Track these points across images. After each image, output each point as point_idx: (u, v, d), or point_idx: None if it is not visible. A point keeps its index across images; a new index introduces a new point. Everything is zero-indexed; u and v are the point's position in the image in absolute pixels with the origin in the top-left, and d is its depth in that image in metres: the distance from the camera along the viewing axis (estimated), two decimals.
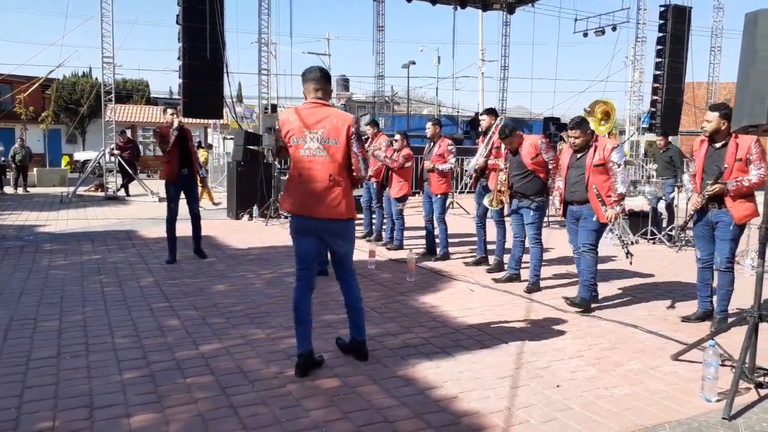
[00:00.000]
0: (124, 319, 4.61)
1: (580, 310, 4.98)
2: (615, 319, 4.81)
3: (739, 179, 4.36)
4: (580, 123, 5.05)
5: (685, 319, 4.77)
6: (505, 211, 6.25)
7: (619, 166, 4.88)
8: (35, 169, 19.68)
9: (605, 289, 5.85)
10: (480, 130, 6.97)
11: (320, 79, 3.54)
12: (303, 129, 3.47)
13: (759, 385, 3.37)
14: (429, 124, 7.50)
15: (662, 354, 3.99)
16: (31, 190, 17.44)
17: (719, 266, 4.58)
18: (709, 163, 4.54)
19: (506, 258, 6.45)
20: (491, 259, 6.81)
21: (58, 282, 5.83)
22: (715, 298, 4.70)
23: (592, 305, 5.11)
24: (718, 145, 4.51)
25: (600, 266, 6.96)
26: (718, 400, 3.21)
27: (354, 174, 3.57)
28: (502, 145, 6.40)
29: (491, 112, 6.96)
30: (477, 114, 22.36)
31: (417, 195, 9.34)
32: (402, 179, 7.69)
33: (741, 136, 4.36)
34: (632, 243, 8.60)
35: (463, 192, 15.57)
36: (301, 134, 3.47)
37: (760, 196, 4.28)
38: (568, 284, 6.04)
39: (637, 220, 9.14)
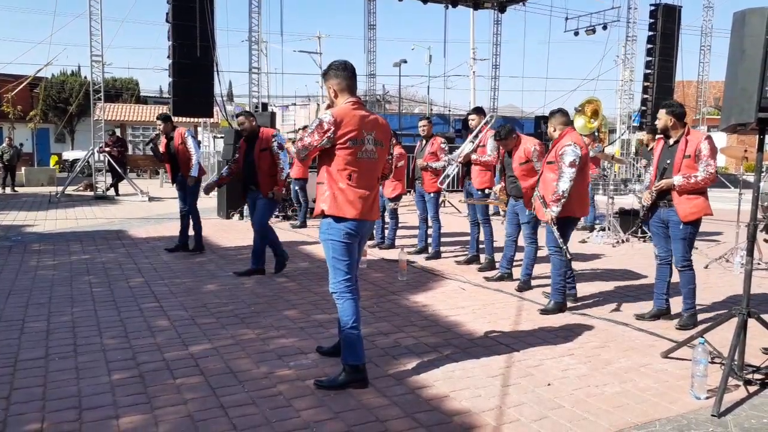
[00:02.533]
0: (113, 320, 4.57)
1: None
2: (605, 317, 4.83)
3: (686, 176, 4.40)
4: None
5: (639, 317, 4.79)
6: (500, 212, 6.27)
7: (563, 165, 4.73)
8: (23, 168, 19.51)
9: (595, 287, 5.88)
10: (471, 128, 6.97)
11: (355, 75, 3.42)
12: (363, 131, 3.27)
13: (748, 382, 3.39)
14: (423, 122, 7.49)
15: (652, 352, 4.01)
16: (19, 189, 17.30)
17: (677, 266, 4.60)
18: (663, 160, 4.62)
19: (497, 256, 6.46)
20: (482, 257, 6.82)
21: (47, 282, 5.78)
22: (679, 297, 4.72)
23: (577, 302, 5.16)
24: (671, 142, 4.59)
25: (590, 264, 7.01)
26: (707, 398, 3.22)
27: (384, 173, 3.57)
28: (488, 144, 6.42)
29: (480, 111, 6.96)
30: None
31: (409, 194, 9.36)
32: (395, 179, 7.68)
33: (693, 133, 4.50)
34: (623, 241, 8.64)
35: (449, 190, 15.56)
36: (360, 136, 3.26)
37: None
38: None
39: (628, 219, 9.18)
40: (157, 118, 7.48)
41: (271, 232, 6.27)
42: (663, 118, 4.56)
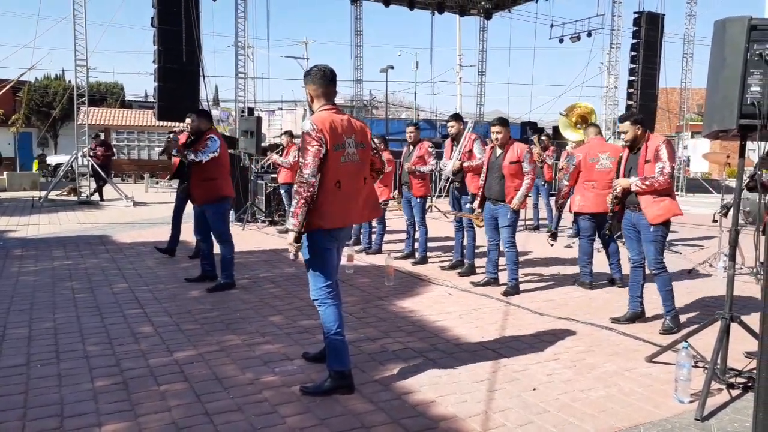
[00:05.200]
0: (97, 326, 4.52)
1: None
2: (590, 321, 4.86)
3: (643, 178, 4.49)
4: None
5: (615, 320, 4.84)
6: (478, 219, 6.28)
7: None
8: (5, 172, 19.23)
9: (580, 291, 5.92)
10: (450, 135, 6.98)
11: (335, 82, 3.42)
12: (343, 135, 3.28)
13: (731, 386, 3.43)
14: (411, 128, 7.48)
15: (637, 356, 4.04)
16: (1, 194, 17.06)
17: (650, 268, 4.67)
18: (627, 165, 4.73)
19: (480, 261, 6.48)
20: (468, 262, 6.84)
21: (29, 288, 5.70)
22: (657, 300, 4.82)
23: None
24: (635, 149, 4.68)
25: (575, 269, 7.05)
26: (691, 401, 3.25)
27: (377, 168, 3.60)
28: (476, 148, 6.45)
29: (458, 117, 6.97)
30: None
31: (394, 198, 9.38)
32: (381, 185, 7.68)
33: (652, 138, 4.60)
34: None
35: (441, 196, 15.62)
36: (341, 140, 3.27)
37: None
38: (546, 287, 6.09)
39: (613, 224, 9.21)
40: (191, 113, 7.01)
41: (211, 245, 5.94)
42: (631, 130, 4.62)
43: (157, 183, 21.08)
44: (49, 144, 33.19)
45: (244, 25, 16.13)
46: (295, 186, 3.21)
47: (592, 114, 8.37)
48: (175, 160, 6.99)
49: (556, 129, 18.68)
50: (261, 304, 5.27)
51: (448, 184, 6.95)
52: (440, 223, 11.08)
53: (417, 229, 7.35)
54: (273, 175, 11.11)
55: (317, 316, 4.50)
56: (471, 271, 6.59)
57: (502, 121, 5.90)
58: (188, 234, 7.59)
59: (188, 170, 6.00)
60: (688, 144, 21.80)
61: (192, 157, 5.74)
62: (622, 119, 4.74)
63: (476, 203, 6.12)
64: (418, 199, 7.24)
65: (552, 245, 6.33)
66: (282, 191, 10.12)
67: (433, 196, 13.49)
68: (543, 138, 10.80)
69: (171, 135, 6.79)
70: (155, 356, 3.89)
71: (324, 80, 3.35)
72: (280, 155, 9.80)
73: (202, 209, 5.89)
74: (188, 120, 6.87)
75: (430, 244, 7.63)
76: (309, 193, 3.16)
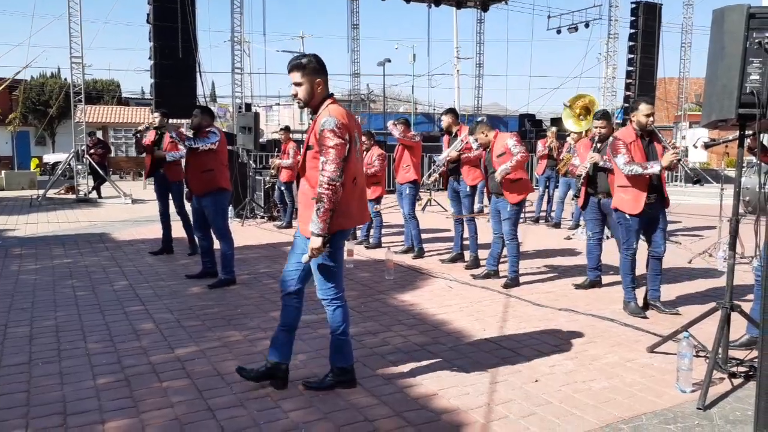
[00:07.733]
0: (98, 324, 4.52)
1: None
2: (592, 313, 4.86)
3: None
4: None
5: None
6: (482, 209, 6.29)
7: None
8: (3, 172, 19.21)
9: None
10: (442, 129, 6.98)
11: None
12: (354, 129, 3.13)
13: (732, 375, 3.43)
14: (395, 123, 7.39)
15: (638, 346, 4.04)
16: None
17: (662, 254, 4.86)
18: (653, 155, 4.76)
19: (483, 253, 6.48)
20: (467, 255, 6.84)
21: (29, 287, 5.69)
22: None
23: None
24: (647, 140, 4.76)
25: (575, 260, 7.06)
26: (693, 391, 3.26)
27: None
28: (472, 140, 6.46)
29: (451, 112, 6.94)
30: None
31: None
32: (374, 181, 7.66)
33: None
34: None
35: (435, 188, 15.59)
36: (354, 135, 3.13)
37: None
38: (546, 279, 6.09)
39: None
40: (160, 111, 7.26)
41: (211, 242, 6.02)
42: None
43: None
44: (47, 142, 33.11)
45: (240, 20, 16.05)
46: (319, 188, 2.96)
47: (594, 104, 8.38)
48: (148, 158, 7.11)
49: (554, 120, 18.66)
50: (262, 299, 5.28)
51: (433, 173, 6.92)
52: (438, 217, 11.08)
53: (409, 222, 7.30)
54: (272, 171, 11.10)
55: (319, 311, 4.50)
56: (476, 263, 6.59)
57: (474, 127, 6.04)
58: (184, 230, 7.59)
59: (186, 164, 6.00)
60: (686, 134, 21.73)
61: (190, 142, 5.77)
62: (650, 102, 4.79)
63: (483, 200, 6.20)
64: (408, 192, 7.20)
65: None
66: (281, 187, 10.11)
67: (432, 189, 13.40)
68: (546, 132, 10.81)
69: (137, 135, 6.94)
70: (157, 353, 3.89)
71: (325, 69, 3.19)
72: (278, 156, 9.79)
73: (200, 205, 5.88)
74: (155, 115, 7.02)
75: (431, 237, 7.62)
76: (337, 196, 2.98)
